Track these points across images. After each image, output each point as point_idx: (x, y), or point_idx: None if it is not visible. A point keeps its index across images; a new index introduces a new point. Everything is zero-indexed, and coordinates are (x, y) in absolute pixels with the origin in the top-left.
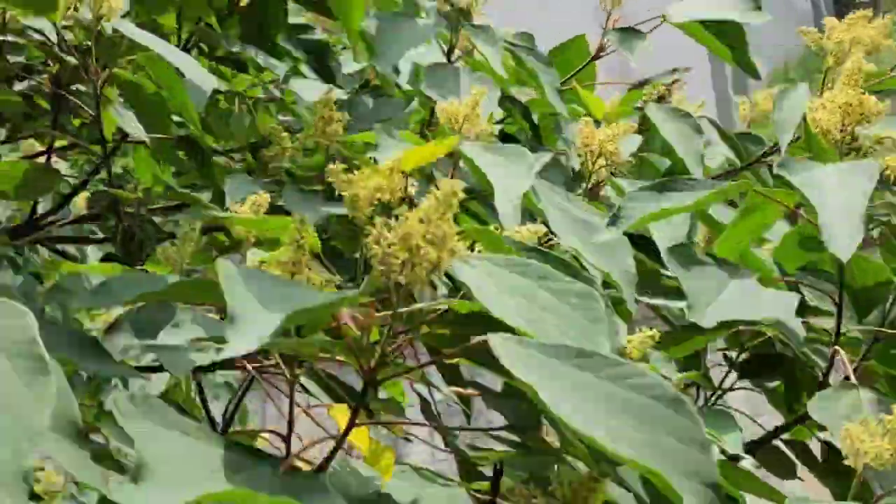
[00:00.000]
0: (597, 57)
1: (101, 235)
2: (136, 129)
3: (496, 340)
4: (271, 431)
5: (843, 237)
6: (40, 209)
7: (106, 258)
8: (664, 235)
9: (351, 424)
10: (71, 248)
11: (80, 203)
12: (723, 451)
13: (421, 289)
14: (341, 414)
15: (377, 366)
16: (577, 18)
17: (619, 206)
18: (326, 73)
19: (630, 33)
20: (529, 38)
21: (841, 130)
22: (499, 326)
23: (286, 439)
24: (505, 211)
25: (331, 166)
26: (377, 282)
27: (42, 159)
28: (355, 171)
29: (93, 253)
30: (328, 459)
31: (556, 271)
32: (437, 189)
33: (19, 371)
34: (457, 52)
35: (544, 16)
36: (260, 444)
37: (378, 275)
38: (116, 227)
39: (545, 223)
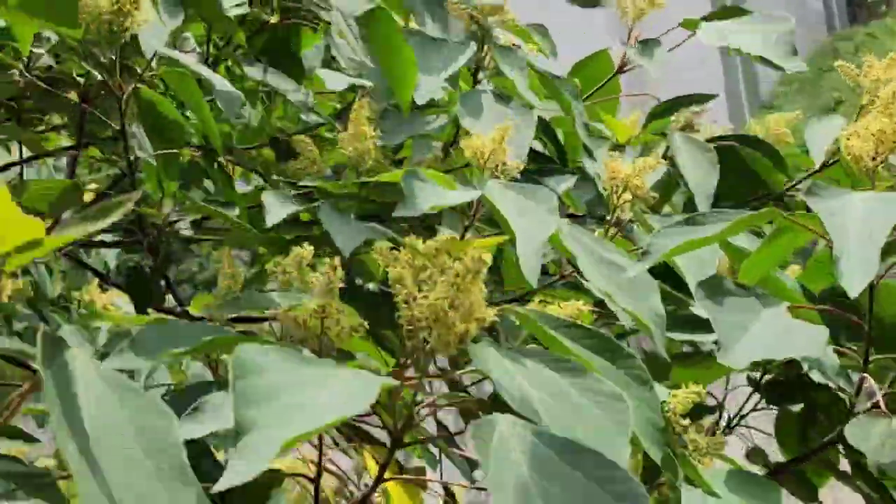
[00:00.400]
0: (620, 71)
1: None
2: (146, 149)
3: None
4: (300, 475)
5: (855, 271)
6: None
7: (129, 272)
8: (692, 270)
9: (378, 480)
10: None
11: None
12: None
13: (448, 355)
14: (372, 460)
15: (404, 427)
16: (577, 19)
17: (649, 241)
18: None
19: (649, 43)
20: (543, 30)
21: (873, 158)
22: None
23: (315, 484)
24: (527, 262)
25: (377, 244)
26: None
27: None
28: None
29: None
30: None
31: (586, 368)
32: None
33: (161, 474)
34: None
35: (544, 16)
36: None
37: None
38: (142, 242)
39: (573, 264)
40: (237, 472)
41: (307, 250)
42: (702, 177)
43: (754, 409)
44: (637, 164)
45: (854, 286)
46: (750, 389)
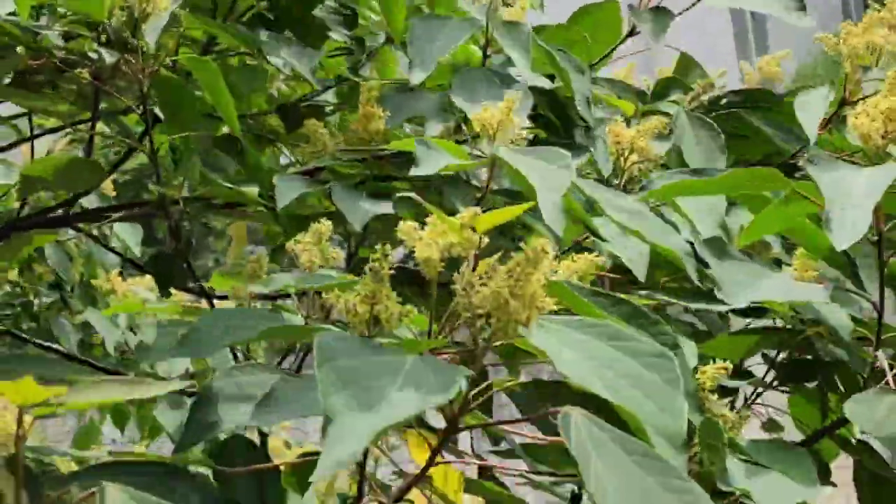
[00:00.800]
0: (631, 34)
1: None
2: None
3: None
4: None
5: (844, 226)
6: None
7: (153, 258)
8: (700, 217)
9: (430, 464)
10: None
11: (107, 187)
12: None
13: (506, 340)
14: (416, 446)
15: (460, 411)
16: None
17: (647, 181)
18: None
19: (659, 13)
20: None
21: (882, 136)
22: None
23: (361, 471)
24: (547, 208)
25: (402, 224)
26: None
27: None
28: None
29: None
30: (404, 492)
31: (627, 332)
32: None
33: None
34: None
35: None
36: None
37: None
38: (168, 225)
39: (589, 228)
40: (331, 460)
41: (325, 225)
42: (707, 153)
43: (770, 387)
44: (641, 127)
45: (840, 241)
46: (765, 368)
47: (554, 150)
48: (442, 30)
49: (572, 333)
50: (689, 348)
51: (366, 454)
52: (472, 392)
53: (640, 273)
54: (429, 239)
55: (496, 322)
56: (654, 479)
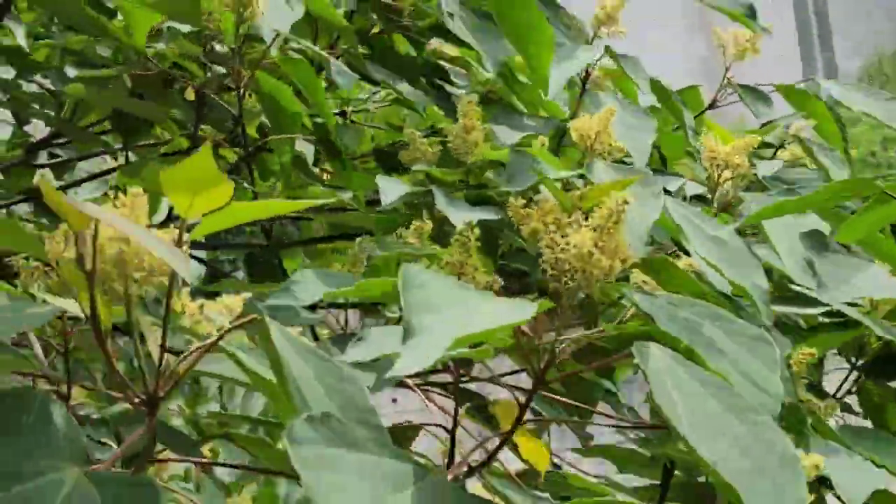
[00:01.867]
0: (711, 107)
1: None
2: None
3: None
4: (434, 424)
5: None
6: None
7: (248, 258)
8: (784, 242)
9: (517, 423)
10: None
11: None
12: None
13: (592, 293)
14: (502, 411)
15: (547, 365)
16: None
17: (742, 205)
18: (445, 94)
19: (756, 94)
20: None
21: None
22: None
23: (451, 434)
24: (632, 236)
25: (512, 200)
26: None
27: None
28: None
29: None
30: (490, 457)
31: (728, 314)
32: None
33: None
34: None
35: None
36: None
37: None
38: (261, 225)
39: (676, 243)
40: (411, 361)
41: (426, 223)
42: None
43: (850, 392)
44: (737, 142)
45: None
46: (844, 374)
47: (647, 175)
48: (562, 62)
49: (674, 307)
50: (780, 338)
51: (455, 423)
52: (558, 347)
53: (726, 287)
54: (537, 217)
55: (581, 274)
56: (727, 409)
